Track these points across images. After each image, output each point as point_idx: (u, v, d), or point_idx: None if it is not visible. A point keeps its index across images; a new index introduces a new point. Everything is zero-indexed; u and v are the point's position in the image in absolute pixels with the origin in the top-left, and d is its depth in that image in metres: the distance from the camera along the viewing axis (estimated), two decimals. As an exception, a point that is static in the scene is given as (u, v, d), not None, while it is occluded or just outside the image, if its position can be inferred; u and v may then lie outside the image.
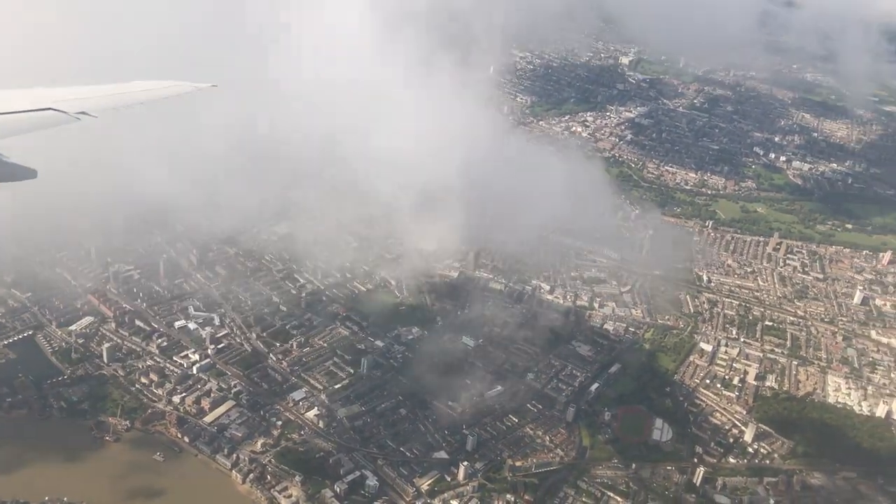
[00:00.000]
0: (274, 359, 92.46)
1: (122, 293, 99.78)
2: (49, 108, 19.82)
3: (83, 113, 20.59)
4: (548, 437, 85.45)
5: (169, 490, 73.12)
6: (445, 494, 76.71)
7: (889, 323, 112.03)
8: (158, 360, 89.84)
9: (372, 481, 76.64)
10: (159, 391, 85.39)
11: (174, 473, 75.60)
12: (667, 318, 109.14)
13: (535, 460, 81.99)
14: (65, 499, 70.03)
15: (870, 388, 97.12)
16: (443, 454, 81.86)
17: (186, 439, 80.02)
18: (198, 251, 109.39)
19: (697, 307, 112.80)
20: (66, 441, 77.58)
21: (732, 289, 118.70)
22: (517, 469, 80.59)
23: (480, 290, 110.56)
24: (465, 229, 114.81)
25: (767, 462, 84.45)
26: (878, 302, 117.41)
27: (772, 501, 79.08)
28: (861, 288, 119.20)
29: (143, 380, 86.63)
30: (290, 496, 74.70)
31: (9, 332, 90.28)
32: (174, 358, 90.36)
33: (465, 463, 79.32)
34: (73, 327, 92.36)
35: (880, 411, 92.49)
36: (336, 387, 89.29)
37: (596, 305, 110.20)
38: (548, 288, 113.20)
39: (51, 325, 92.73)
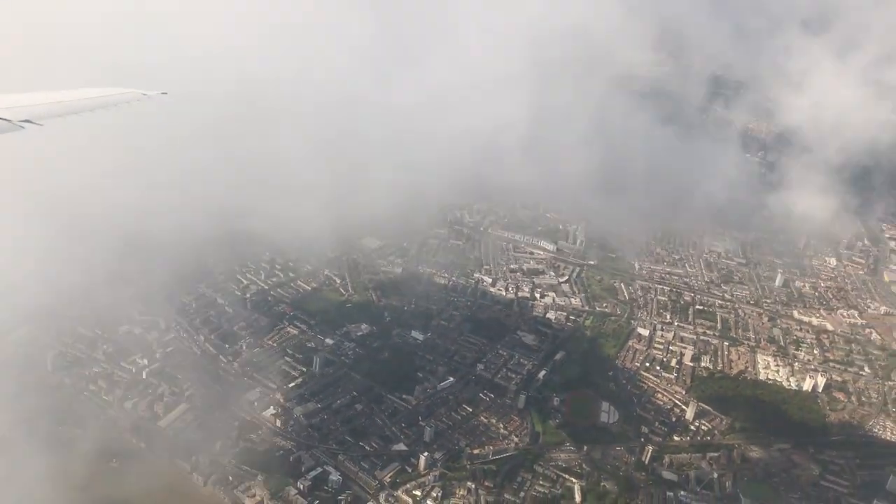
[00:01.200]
0: (224, 360, 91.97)
1: (58, 302, 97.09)
2: None
3: (27, 121, 20.18)
4: (501, 425, 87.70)
5: (132, 498, 72.01)
6: (408, 485, 78.03)
7: (808, 303, 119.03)
8: (105, 366, 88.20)
9: (335, 476, 77.38)
10: (108, 397, 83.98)
11: (133, 480, 74.43)
12: (604, 305, 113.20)
13: (491, 447, 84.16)
14: (23, 511, 68.59)
15: (796, 364, 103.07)
16: (402, 446, 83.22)
17: (142, 444, 79.00)
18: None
19: (632, 294, 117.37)
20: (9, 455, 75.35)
21: (663, 276, 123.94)
22: (475, 457, 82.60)
23: (424, 284, 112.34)
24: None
25: (709, 438, 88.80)
26: (798, 284, 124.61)
27: (715, 475, 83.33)
28: (781, 271, 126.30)
29: (92, 387, 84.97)
30: (253, 496, 74.74)
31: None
32: (122, 363, 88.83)
33: (425, 454, 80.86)
34: (11, 337, 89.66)
35: (807, 385, 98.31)
36: (290, 385, 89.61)
37: (537, 296, 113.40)
38: (489, 280, 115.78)
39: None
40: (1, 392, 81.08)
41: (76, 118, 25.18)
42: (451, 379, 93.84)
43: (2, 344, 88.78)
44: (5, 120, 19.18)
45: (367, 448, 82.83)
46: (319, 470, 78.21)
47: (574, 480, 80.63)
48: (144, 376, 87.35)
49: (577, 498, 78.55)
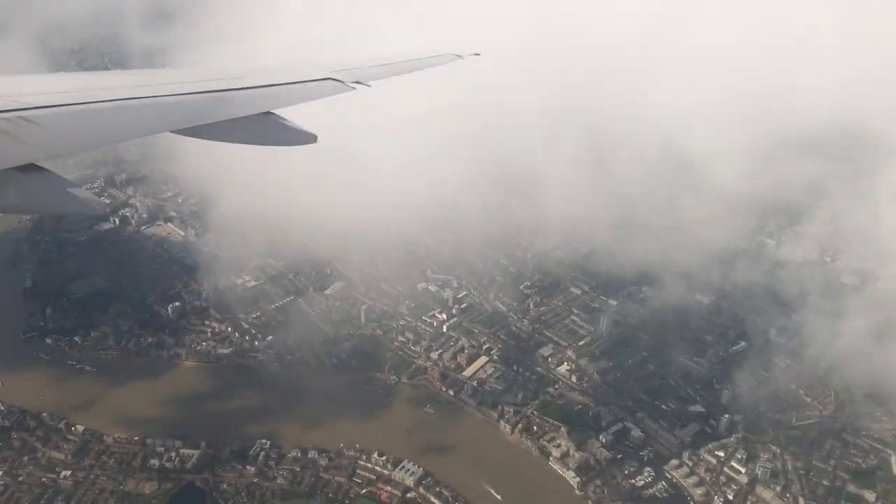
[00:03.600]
0: (514, 317, 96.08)
1: (363, 260, 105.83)
2: (329, 78, 20.34)
3: (358, 82, 21.11)
4: (801, 391, 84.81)
5: (450, 441, 77.79)
6: (709, 446, 77.90)
7: None
8: (409, 319, 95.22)
9: (636, 432, 78.86)
10: (416, 348, 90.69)
11: (448, 425, 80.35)
12: None
13: (794, 413, 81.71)
14: (357, 446, 76.35)
15: None
16: (699, 408, 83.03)
17: (451, 392, 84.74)
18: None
19: None
20: (343, 395, 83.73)
21: None
22: (777, 422, 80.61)
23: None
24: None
25: None
26: None
27: None
28: None
29: (400, 338, 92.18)
30: (558, 446, 77.88)
31: (274, 298, 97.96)
32: (423, 318, 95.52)
33: (726, 416, 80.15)
34: (328, 291, 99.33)
35: None
36: (580, 343, 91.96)
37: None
38: (774, 244, 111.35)
39: (308, 290, 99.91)
40: (319, 340, 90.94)
41: (398, 79, 26.73)
42: (743, 343, 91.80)
43: (318, 297, 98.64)
44: (339, 81, 20.32)
45: (664, 407, 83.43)
46: (620, 426, 79.89)
47: (891, 451, 76.43)
48: (445, 330, 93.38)
49: (896, 470, 74.65)
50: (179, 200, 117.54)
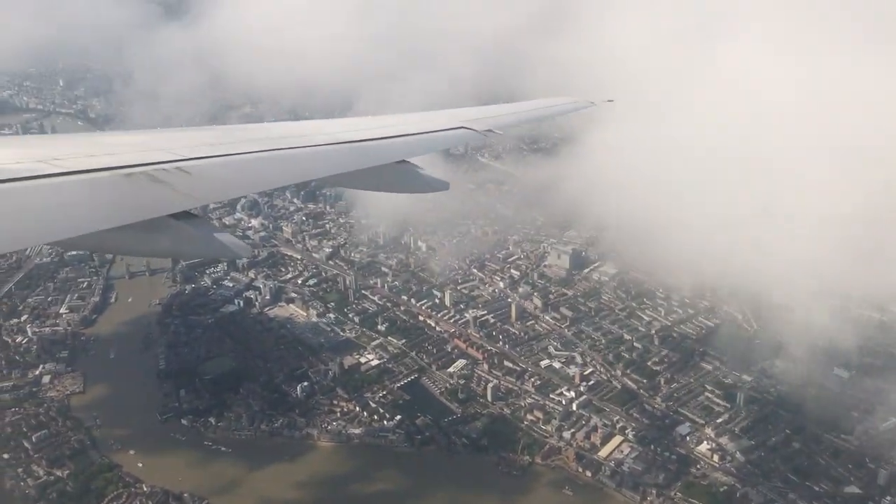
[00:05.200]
0: (645, 395, 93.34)
1: (483, 336, 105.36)
2: (462, 127, 20.95)
3: (489, 131, 21.67)
4: (967, 473, 79.08)
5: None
6: (876, 529, 73.08)
7: None
8: (536, 397, 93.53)
9: (791, 515, 74.68)
10: (547, 427, 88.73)
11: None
12: None
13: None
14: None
15: None
16: (854, 489, 78.18)
17: (588, 474, 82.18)
18: (539, 294, 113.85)
19: None
20: (476, 476, 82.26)
21: None
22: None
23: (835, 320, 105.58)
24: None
25: None
26: None
27: None
28: None
29: (530, 417, 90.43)
30: (708, 529, 74.33)
31: (398, 376, 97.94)
32: (551, 395, 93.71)
33: (888, 497, 75.19)
34: (451, 369, 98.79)
35: None
36: (718, 421, 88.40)
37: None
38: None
39: (431, 368, 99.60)
40: (447, 419, 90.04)
41: (529, 126, 26.85)
42: (894, 419, 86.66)
43: (442, 375, 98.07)
44: (472, 129, 20.96)
45: (816, 489, 78.86)
46: (772, 508, 75.92)
47: None
48: (574, 408, 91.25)
49: None
50: (300, 282, 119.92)
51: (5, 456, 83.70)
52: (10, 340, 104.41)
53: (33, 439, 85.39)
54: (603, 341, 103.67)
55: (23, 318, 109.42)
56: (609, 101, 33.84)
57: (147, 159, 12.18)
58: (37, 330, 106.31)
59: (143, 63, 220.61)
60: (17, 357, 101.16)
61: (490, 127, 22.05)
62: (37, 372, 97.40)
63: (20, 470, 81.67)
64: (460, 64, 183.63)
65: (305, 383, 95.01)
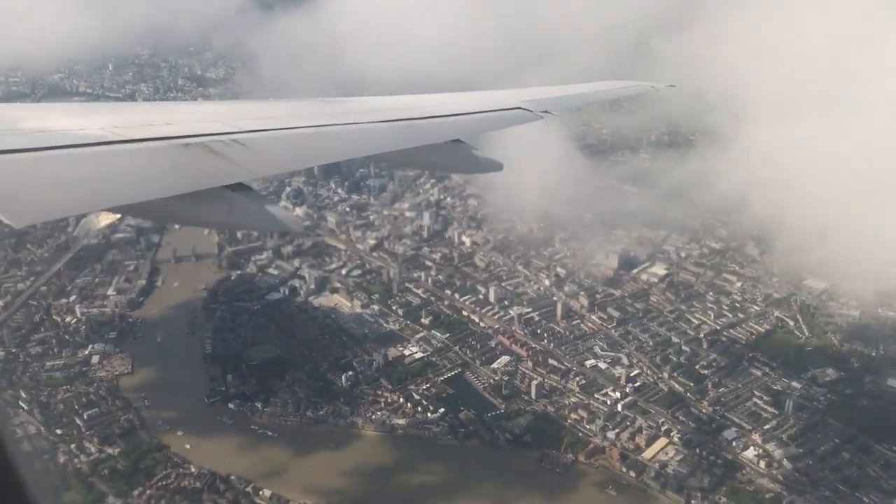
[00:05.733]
0: (692, 398, 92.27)
1: (528, 334, 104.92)
2: (518, 108, 20.40)
3: (546, 112, 20.99)
4: None
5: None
6: (926, 545, 71.52)
7: None
8: (580, 396, 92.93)
9: (840, 526, 73.37)
10: (591, 427, 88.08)
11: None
12: None
13: None
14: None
15: None
16: (905, 502, 76.70)
17: (632, 474, 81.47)
18: (585, 294, 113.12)
19: None
20: (519, 471, 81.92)
21: None
22: None
23: (890, 329, 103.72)
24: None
25: None
26: None
27: None
28: None
29: (573, 415, 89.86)
30: (755, 536, 73.31)
31: (441, 370, 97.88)
32: (595, 395, 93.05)
33: (942, 512, 73.62)
34: (494, 365, 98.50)
35: None
36: (765, 427, 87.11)
37: None
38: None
39: (474, 363, 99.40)
40: (490, 414, 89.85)
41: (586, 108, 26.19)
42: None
43: (485, 371, 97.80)
44: (528, 110, 20.33)
45: (866, 500, 77.39)
46: (821, 518, 74.69)
47: None
48: (619, 409, 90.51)
49: None
50: (344, 272, 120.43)
51: (58, 431, 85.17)
52: (59, 320, 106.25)
53: (85, 417, 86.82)
54: (650, 343, 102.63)
55: (71, 299, 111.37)
56: (671, 85, 32.76)
57: (204, 130, 12.28)
58: (85, 311, 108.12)
59: (257, 49, 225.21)
60: (66, 337, 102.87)
61: (548, 108, 21.50)
62: (86, 352, 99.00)
63: (73, 446, 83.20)
64: (590, 58, 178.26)
65: (350, 373, 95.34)
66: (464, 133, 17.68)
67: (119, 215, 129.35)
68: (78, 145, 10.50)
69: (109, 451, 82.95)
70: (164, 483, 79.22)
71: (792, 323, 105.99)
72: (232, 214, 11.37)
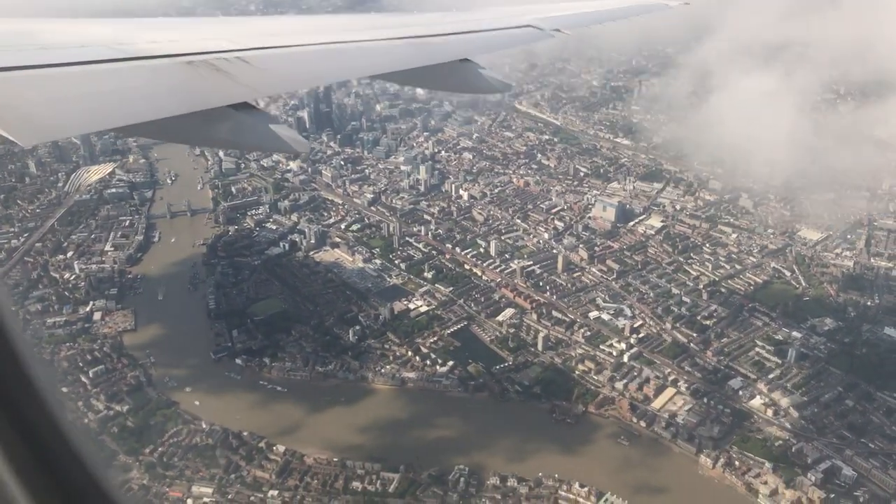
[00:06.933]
0: (696, 348, 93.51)
1: (530, 286, 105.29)
2: (528, 26, 20.06)
3: (557, 30, 20.74)
4: None
5: (654, 475, 75.68)
6: (931, 489, 73.65)
7: None
8: (586, 348, 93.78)
9: (848, 471, 75.17)
10: (599, 378, 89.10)
11: (648, 459, 78.18)
12: None
13: None
14: (556, 476, 75.17)
15: None
16: (909, 447, 78.82)
17: (643, 424, 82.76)
18: (584, 246, 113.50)
19: None
20: (531, 423, 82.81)
21: None
22: None
23: (884, 278, 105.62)
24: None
25: None
26: None
27: None
28: None
29: (581, 367, 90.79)
30: (765, 482, 74.90)
31: (447, 323, 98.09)
32: (601, 346, 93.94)
33: (945, 456, 75.77)
34: (500, 318, 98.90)
35: None
36: (769, 376, 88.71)
37: None
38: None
39: (479, 316, 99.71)
40: (499, 367, 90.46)
41: (599, 27, 25.45)
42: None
43: (491, 324, 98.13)
44: (538, 28, 20.01)
45: (871, 446, 79.46)
46: (828, 463, 76.39)
47: None
48: (626, 360, 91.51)
49: None
50: (343, 227, 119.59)
51: (64, 389, 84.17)
52: (58, 276, 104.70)
53: (90, 374, 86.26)
54: (651, 295, 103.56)
55: (69, 255, 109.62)
56: (686, 3, 31.42)
57: (208, 48, 12.00)
58: (84, 267, 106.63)
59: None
60: (66, 293, 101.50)
61: (559, 26, 21.16)
62: (87, 308, 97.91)
63: (80, 403, 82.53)
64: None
65: (356, 327, 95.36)
66: (472, 52, 17.27)
67: (111, 169, 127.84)
68: (81, 62, 10.18)
69: (117, 408, 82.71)
70: (175, 440, 79.21)
71: (788, 273, 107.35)
72: (236, 133, 11.18)
